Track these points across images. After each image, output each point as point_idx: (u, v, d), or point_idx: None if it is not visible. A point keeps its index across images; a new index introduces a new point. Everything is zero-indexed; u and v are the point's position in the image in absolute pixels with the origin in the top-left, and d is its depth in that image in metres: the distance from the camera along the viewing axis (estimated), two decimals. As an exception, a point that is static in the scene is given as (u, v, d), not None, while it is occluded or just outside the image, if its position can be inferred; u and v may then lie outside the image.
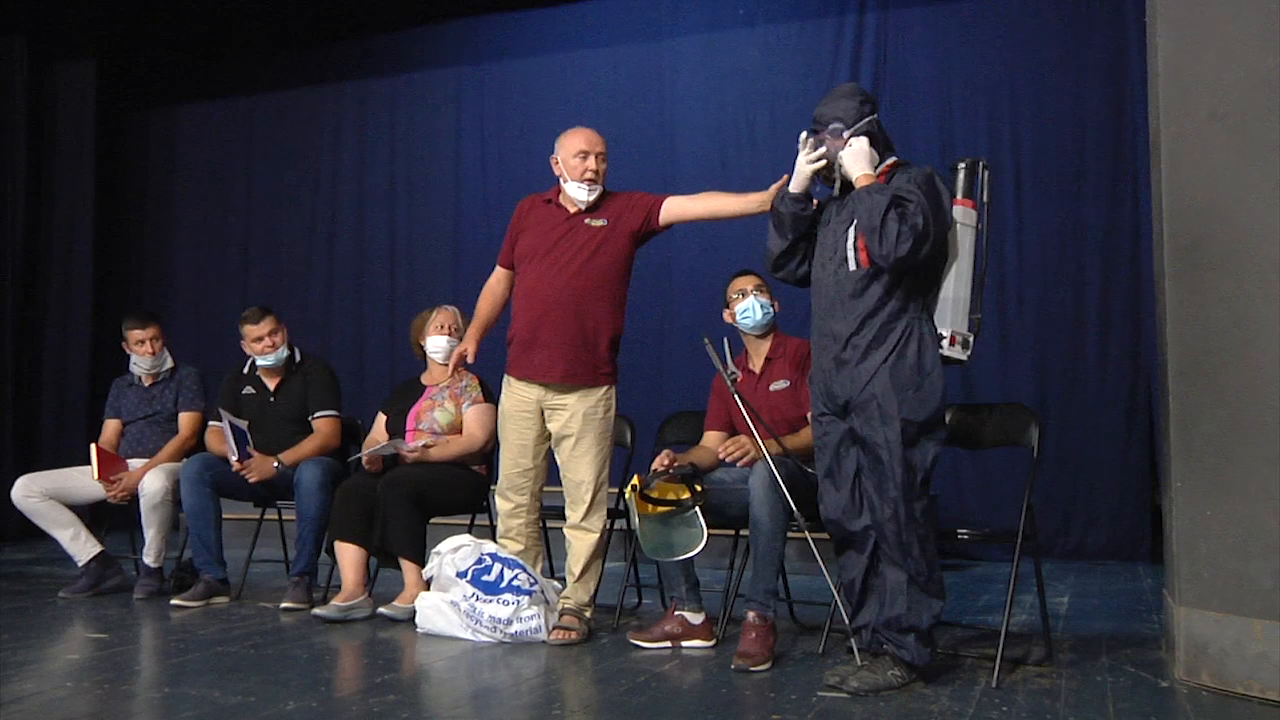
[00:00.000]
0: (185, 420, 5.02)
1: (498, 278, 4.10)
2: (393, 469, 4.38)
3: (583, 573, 3.89)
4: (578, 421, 3.84)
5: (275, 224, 7.96)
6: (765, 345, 3.97)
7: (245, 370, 4.92)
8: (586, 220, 3.88)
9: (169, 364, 5.09)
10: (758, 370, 3.96)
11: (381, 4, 7.57)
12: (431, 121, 7.54)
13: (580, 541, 3.89)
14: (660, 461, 3.74)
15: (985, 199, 3.16)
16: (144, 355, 5.03)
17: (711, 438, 4.02)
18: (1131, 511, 5.87)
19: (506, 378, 3.98)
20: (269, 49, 7.92)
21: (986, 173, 3.19)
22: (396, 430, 4.62)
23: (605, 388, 3.87)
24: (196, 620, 4.27)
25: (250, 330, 4.78)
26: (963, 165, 3.21)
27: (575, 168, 3.88)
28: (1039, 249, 6.07)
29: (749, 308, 3.94)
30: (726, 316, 4.02)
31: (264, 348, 4.77)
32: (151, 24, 7.81)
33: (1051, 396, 5.95)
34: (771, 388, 3.91)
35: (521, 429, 3.92)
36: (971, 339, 3.11)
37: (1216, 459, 3.05)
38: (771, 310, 3.96)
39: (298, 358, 4.89)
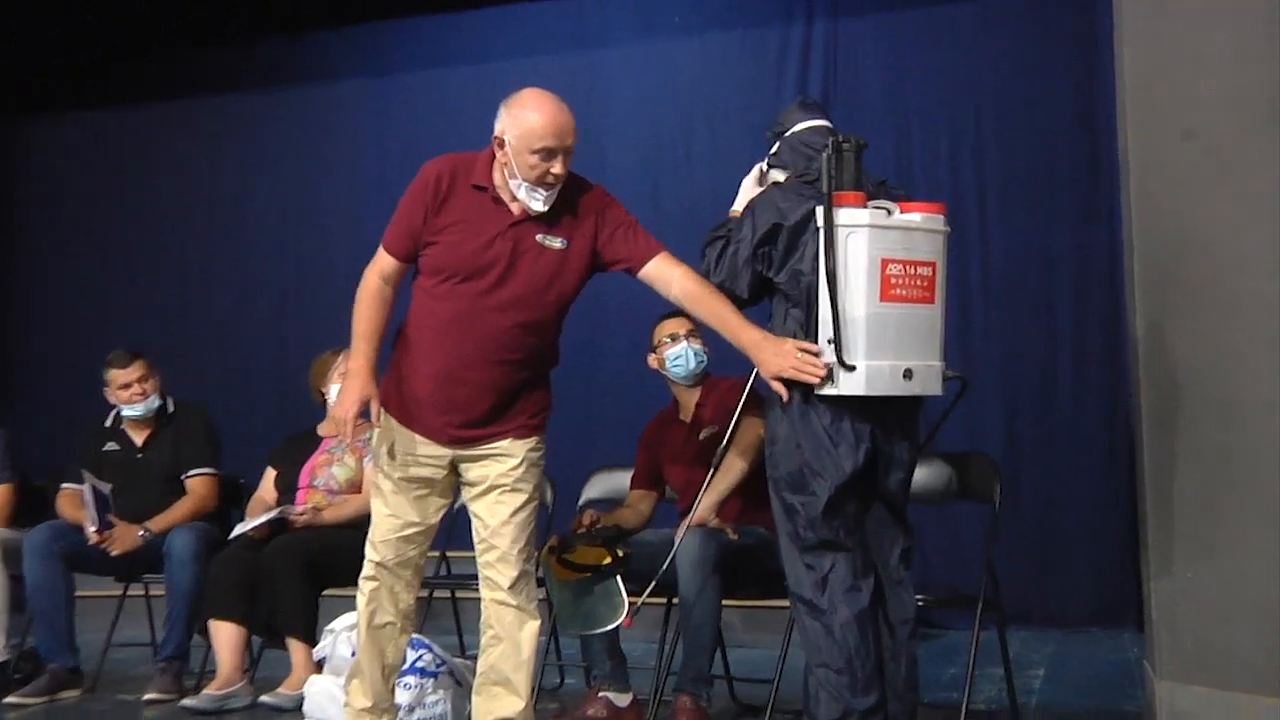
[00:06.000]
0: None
1: (387, 276, 3.28)
2: (280, 534, 4.32)
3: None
4: (519, 466, 3.25)
5: (142, 254, 7.77)
6: (696, 393, 3.99)
7: (108, 423, 4.82)
8: (540, 237, 3.18)
9: None
10: (688, 420, 3.96)
11: (265, 6, 7.45)
12: (325, 141, 7.47)
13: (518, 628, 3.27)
14: (581, 521, 3.75)
15: (825, 188, 2.93)
16: None
17: (637, 496, 4.05)
18: (1115, 572, 5.86)
19: (390, 419, 3.32)
20: (130, 59, 7.72)
21: (825, 154, 2.97)
22: (288, 487, 4.57)
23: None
24: None
25: (116, 376, 4.69)
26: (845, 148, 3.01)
27: (532, 168, 3.09)
28: (1005, 276, 6.10)
29: (681, 355, 3.94)
30: (652, 361, 4.03)
31: (132, 396, 4.68)
32: (12, 32, 7.64)
33: (1022, 441, 5.97)
34: (702, 436, 3.92)
35: (416, 483, 3.30)
36: (842, 370, 2.89)
37: (1198, 515, 3.07)
38: (704, 358, 3.97)
39: (170, 408, 4.81)
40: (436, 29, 7.25)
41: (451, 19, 7.22)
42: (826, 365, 2.90)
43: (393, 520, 3.29)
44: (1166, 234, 3.17)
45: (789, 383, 3.00)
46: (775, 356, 3.03)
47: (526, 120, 3.11)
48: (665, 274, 3.22)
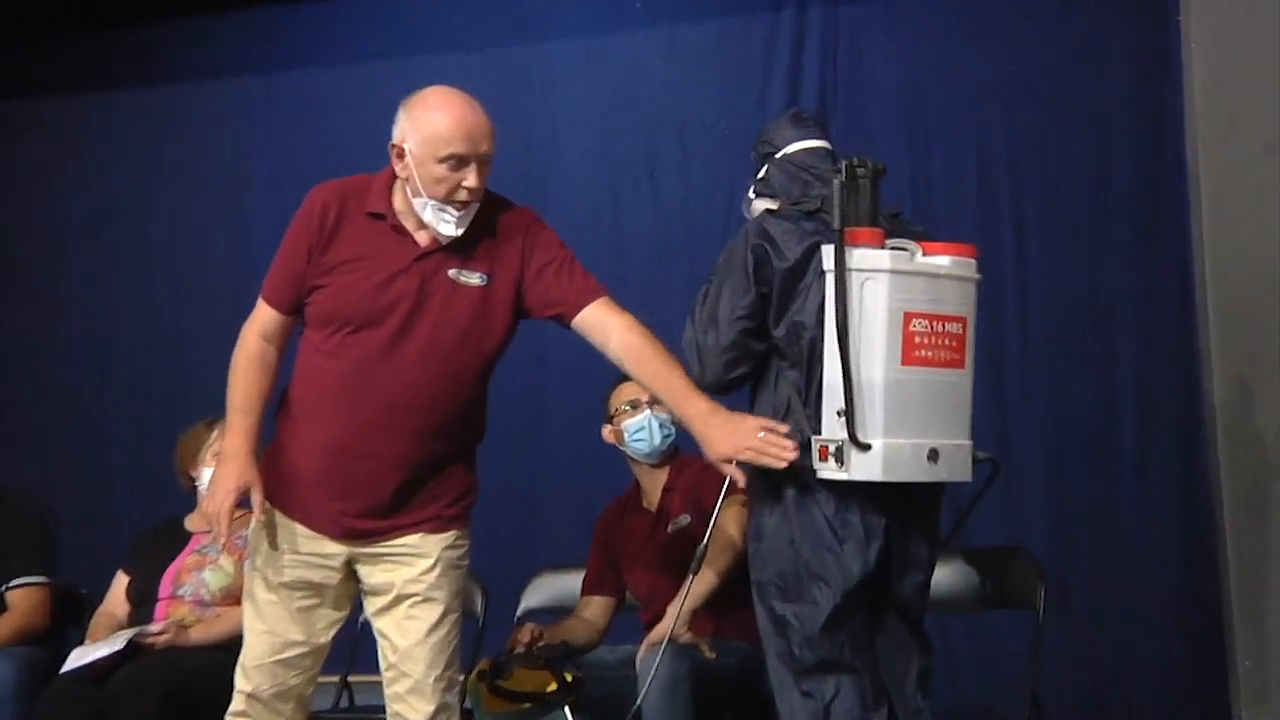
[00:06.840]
0: None
1: (268, 333, 3.31)
2: (134, 660, 4.28)
3: None
4: (433, 569, 3.21)
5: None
6: (662, 475, 4.02)
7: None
8: (454, 271, 3.19)
9: None
10: (654, 508, 3.99)
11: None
12: (203, 153, 7.48)
13: None
14: (519, 638, 3.76)
15: (836, 223, 2.94)
16: None
17: (589, 604, 4.06)
18: (1195, 699, 5.79)
19: (273, 510, 3.29)
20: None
21: (836, 181, 3.00)
22: (144, 598, 4.56)
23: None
24: None
25: (-81, 459, 4.69)
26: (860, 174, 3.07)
27: (439, 181, 3.10)
28: (1049, 326, 6.09)
29: (643, 428, 3.98)
30: (607, 434, 4.08)
31: (-61, 485, 4.70)
32: None
33: (1074, 532, 5.94)
34: (670, 528, 3.95)
35: (301, 590, 3.28)
36: (854, 449, 2.89)
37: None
38: (672, 432, 4.00)
39: (-10, 498, 4.81)
40: (343, 17, 7.29)
41: (363, 4, 7.27)
42: (833, 444, 2.92)
43: (268, 639, 3.27)
44: (1248, 268, 3.19)
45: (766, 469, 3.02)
46: (727, 435, 3.04)
47: (430, 122, 3.14)
48: (603, 323, 3.23)
